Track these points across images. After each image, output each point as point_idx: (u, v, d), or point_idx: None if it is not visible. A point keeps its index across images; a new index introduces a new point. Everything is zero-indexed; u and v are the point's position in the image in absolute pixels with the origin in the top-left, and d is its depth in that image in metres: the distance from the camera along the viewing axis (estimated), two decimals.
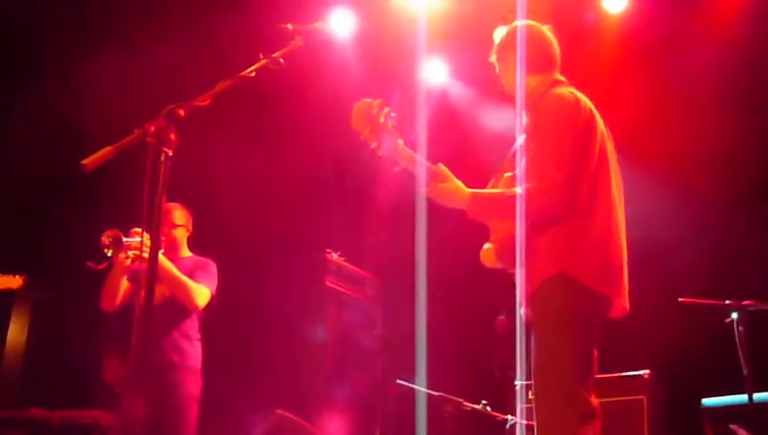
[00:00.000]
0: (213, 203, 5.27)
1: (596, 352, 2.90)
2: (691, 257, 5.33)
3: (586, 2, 5.69)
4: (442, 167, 2.95)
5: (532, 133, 2.95)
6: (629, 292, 2.98)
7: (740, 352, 3.89)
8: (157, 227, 2.33)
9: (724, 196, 5.42)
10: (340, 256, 4.96)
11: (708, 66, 5.30)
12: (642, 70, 5.61)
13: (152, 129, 2.27)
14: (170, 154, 2.30)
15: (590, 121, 2.94)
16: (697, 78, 5.36)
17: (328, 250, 4.95)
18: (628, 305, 2.94)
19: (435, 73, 6.03)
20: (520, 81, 3.09)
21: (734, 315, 3.94)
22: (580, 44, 5.32)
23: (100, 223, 4.30)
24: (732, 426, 4.01)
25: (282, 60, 2.68)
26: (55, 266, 6.18)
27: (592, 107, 3.00)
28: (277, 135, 5.85)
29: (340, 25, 5.68)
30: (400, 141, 2.97)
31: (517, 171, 3.01)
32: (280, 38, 2.73)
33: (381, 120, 2.93)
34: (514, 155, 3.07)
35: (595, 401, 2.80)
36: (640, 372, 4.53)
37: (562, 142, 2.85)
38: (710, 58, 5.29)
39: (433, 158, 3.02)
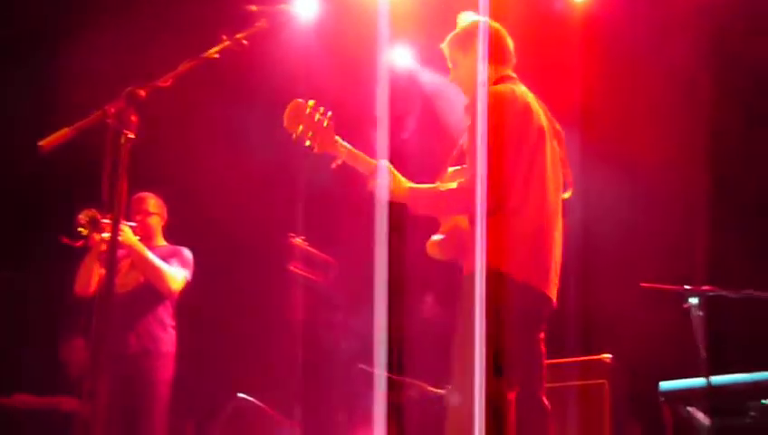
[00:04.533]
0: (179, 191, 5.26)
1: (542, 341, 3.02)
2: (653, 243, 5.41)
3: None
4: (383, 162, 3.04)
5: (468, 130, 3.04)
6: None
7: (698, 337, 3.95)
8: (117, 210, 2.31)
9: (684, 183, 5.49)
10: (303, 240, 4.95)
11: (673, 53, 5.35)
12: (606, 58, 5.65)
13: (112, 110, 2.23)
14: (131, 136, 2.26)
15: (527, 120, 3.03)
16: (661, 66, 5.41)
17: (291, 235, 4.94)
18: (555, 303, 3.03)
19: (400, 58, 6.01)
20: (469, 78, 3.16)
21: (693, 300, 4.01)
22: (545, 32, 5.33)
23: (61, 206, 4.27)
24: (689, 408, 4.08)
25: (245, 41, 2.65)
26: (14, 248, 6.10)
27: (534, 104, 3.08)
28: (241, 120, 5.81)
29: (304, 7, 5.63)
30: (338, 138, 3.03)
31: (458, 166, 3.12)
32: (244, 19, 2.71)
33: (316, 118, 2.99)
34: (461, 150, 3.16)
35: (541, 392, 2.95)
36: (602, 357, 4.59)
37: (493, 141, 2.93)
38: (675, 45, 5.34)
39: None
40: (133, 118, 2.25)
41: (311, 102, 3.02)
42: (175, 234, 4.77)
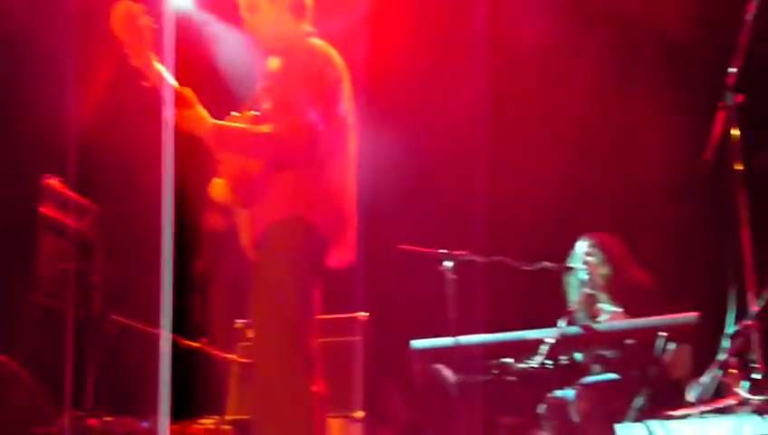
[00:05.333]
0: None
1: (319, 295, 3.05)
2: (412, 207, 5.62)
3: None
4: (189, 92, 2.91)
5: (282, 77, 3.04)
6: (358, 241, 3.14)
7: (450, 299, 4.17)
8: None
9: (452, 148, 5.72)
10: (59, 181, 4.63)
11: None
12: (399, 23, 5.72)
13: None
14: None
15: (338, 77, 3.09)
16: (459, 34, 5.56)
17: (46, 175, 4.61)
18: (353, 256, 3.13)
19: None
20: (274, 26, 3.15)
21: (448, 264, 4.21)
22: None
23: None
24: (436, 366, 4.31)
25: None
26: None
27: (340, 62, 3.13)
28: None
29: None
30: (153, 56, 2.85)
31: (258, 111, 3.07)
32: None
33: (140, 25, 2.80)
34: (260, 94, 3.13)
35: (315, 342, 2.95)
36: (358, 314, 4.70)
37: (310, 91, 2.97)
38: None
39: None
40: None
41: (139, 7, 2.81)
42: None
